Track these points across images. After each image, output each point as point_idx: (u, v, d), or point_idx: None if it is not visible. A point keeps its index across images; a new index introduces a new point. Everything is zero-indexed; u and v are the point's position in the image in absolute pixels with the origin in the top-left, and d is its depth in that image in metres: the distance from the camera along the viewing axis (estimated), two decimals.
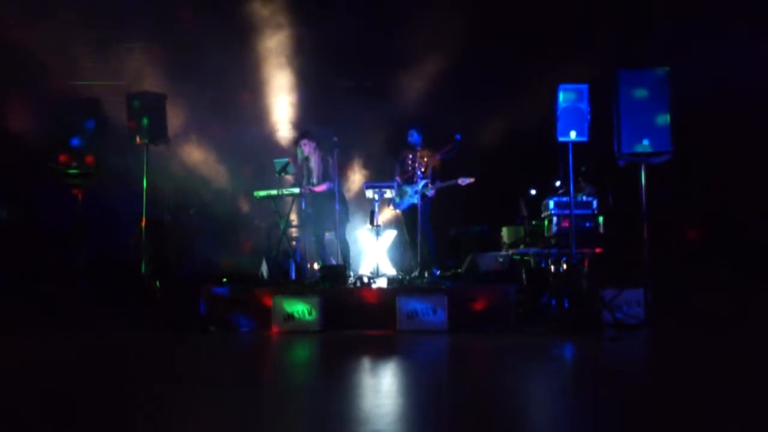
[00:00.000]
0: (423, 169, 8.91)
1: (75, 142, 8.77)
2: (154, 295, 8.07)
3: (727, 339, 6.73)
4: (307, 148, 8.85)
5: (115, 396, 4.43)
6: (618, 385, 4.76)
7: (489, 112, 10.30)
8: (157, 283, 8.30)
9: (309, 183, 8.81)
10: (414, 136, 9.03)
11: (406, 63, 10.39)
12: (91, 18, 9.15)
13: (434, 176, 8.93)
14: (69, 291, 8.16)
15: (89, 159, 8.82)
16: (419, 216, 8.64)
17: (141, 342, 6.98)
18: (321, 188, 8.71)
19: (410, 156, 9.04)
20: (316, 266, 9.22)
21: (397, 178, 9.05)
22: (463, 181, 8.82)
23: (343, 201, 8.94)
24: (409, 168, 9.01)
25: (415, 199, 8.78)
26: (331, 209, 8.60)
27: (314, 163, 8.81)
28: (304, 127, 9.67)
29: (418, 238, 8.63)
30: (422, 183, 8.82)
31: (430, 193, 8.91)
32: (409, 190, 8.96)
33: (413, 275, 8.54)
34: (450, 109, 10.01)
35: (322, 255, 9.01)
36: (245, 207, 10.15)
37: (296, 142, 9.08)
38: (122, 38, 9.68)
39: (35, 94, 9.17)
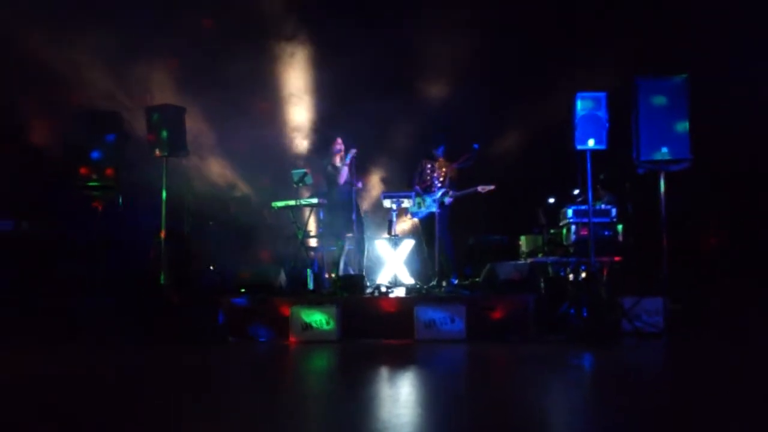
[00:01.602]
0: (441, 179, 8.96)
1: (95, 155, 8.89)
2: (174, 306, 8.11)
3: (747, 348, 6.66)
4: (342, 147, 9.06)
5: (133, 408, 4.46)
6: (638, 394, 4.72)
7: (507, 120, 10.30)
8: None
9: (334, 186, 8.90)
10: (440, 147, 9.09)
11: (425, 72, 10.41)
12: (111, 31, 9.27)
13: (451, 185, 8.98)
14: (89, 303, 8.22)
15: (109, 172, 8.91)
16: (437, 224, 8.66)
17: (159, 353, 7.02)
18: (359, 185, 9.04)
19: (429, 165, 9.11)
20: (333, 276, 9.26)
21: (416, 187, 9.10)
22: (483, 189, 8.86)
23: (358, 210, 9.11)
24: (428, 177, 9.05)
25: (434, 208, 8.82)
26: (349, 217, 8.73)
27: (347, 165, 8.97)
28: (325, 136, 9.80)
29: (436, 247, 8.64)
30: (440, 192, 8.86)
31: (448, 201, 8.95)
32: (427, 199, 8.99)
33: (431, 284, 8.54)
34: (468, 118, 10.01)
35: (343, 262, 9.06)
36: (264, 217, 10.20)
37: (332, 143, 9.21)
38: (142, 51, 9.78)
39: (56, 108, 9.29)
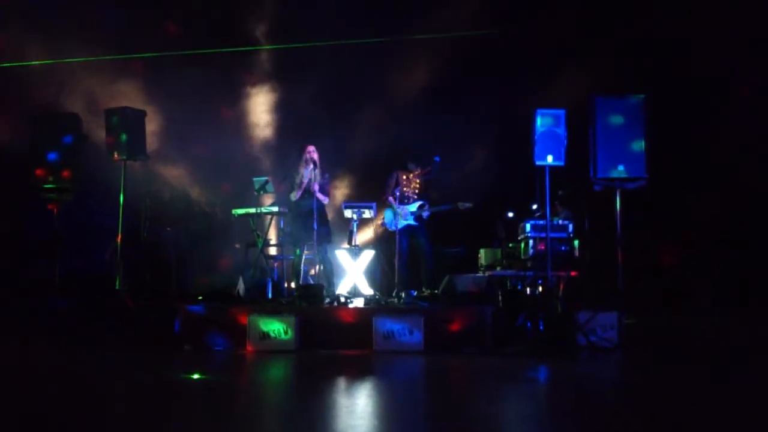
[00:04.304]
0: (417, 191, 9.03)
1: (52, 156, 8.72)
2: (129, 311, 7.99)
3: (700, 362, 6.81)
4: (316, 155, 8.81)
5: (84, 416, 4.39)
6: (592, 408, 4.79)
7: (468, 135, 10.39)
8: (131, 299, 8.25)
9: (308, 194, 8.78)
10: (419, 163, 9.11)
11: (386, 86, 10.46)
12: (72, 33, 9.14)
13: (421, 197, 9.08)
14: (44, 306, 8.05)
15: (66, 174, 8.76)
16: (419, 237, 8.95)
17: (113, 360, 6.91)
18: (323, 198, 8.86)
19: (404, 177, 9.11)
20: (293, 285, 9.20)
21: (390, 198, 9.07)
22: (462, 206, 8.94)
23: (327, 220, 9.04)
24: (404, 189, 9.05)
25: (411, 220, 8.95)
26: (311, 226, 8.61)
27: (318, 174, 8.81)
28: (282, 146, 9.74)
29: (396, 259, 8.69)
30: (417, 204, 8.97)
31: (426, 215, 9.03)
32: (403, 210, 9.00)
33: (392, 296, 8.56)
34: (430, 131, 10.08)
35: (302, 271, 8.98)
36: (223, 224, 10.12)
37: (303, 149, 8.90)
38: (103, 53, 9.66)
39: (13, 108, 9.12)
